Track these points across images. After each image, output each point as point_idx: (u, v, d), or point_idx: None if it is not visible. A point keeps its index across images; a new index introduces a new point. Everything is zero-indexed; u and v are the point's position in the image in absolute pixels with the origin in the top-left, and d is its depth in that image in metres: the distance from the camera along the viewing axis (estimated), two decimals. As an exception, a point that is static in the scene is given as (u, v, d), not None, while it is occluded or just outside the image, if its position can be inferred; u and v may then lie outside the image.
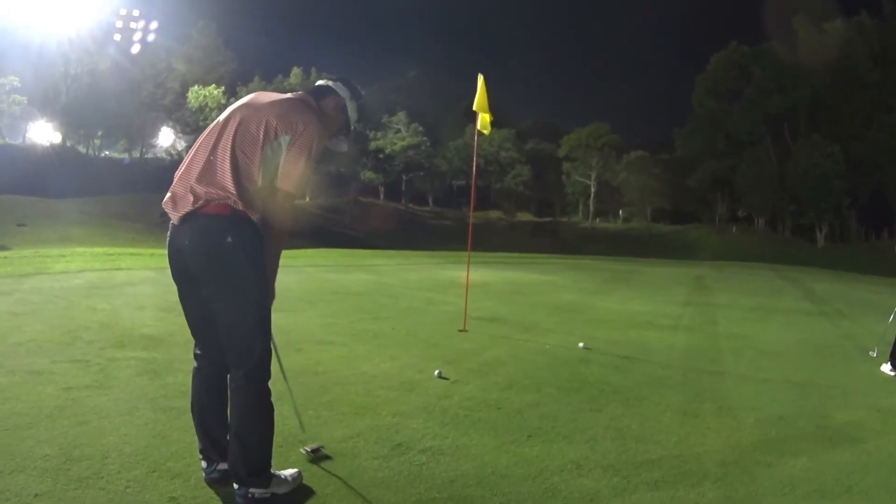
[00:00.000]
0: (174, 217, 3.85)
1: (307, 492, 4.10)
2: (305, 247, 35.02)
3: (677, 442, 5.40)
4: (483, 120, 10.84)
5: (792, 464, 5.06)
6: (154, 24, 50.72)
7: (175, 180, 3.90)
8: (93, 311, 10.09)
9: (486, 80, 10.59)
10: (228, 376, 3.96)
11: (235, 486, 3.89)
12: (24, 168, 59.73)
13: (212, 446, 4.15)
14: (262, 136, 3.81)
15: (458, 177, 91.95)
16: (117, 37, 52.43)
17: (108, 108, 65.78)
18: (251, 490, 3.85)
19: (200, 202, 3.74)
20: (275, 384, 3.99)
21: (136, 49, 54.10)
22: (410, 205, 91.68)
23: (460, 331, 10.14)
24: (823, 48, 71.61)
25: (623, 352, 9.18)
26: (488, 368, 7.69)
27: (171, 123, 78.60)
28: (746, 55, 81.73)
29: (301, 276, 17.51)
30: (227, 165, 3.76)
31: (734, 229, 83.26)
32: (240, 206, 3.74)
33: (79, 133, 73.42)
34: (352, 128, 4.41)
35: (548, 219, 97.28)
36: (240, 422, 3.87)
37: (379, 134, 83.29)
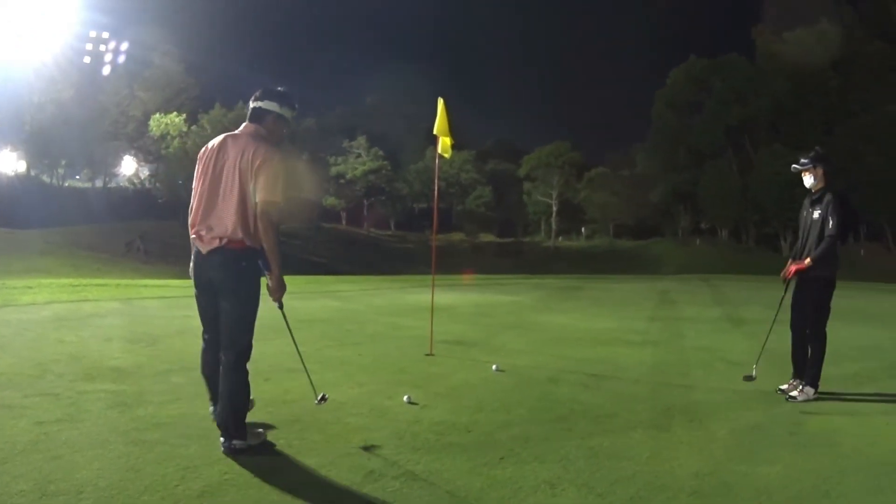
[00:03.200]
0: (203, 249, 5.42)
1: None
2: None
3: (650, 457, 5.38)
4: (444, 143, 10.75)
5: (767, 472, 5.07)
6: (125, 45, 50.85)
7: (196, 224, 5.47)
8: (61, 344, 10.02)
9: (445, 102, 10.57)
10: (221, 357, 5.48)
11: (222, 439, 5.30)
12: (-12, 198, 59.55)
13: (216, 395, 5.58)
14: (248, 186, 5.33)
15: (419, 200, 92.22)
16: (87, 59, 52.41)
17: (73, 137, 65.36)
18: (234, 441, 5.26)
19: (224, 241, 5.32)
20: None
21: (107, 70, 54.12)
22: (372, 229, 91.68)
23: (427, 355, 10.05)
24: (783, 57, 72.53)
25: (592, 370, 9.17)
26: (457, 392, 7.63)
27: (133, 152, 78.17)
28: (706, 68, 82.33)
29: (267, 304, 17.35)
30: (236, 218, 5.31)
31: (698, 242, 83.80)
32: (248, 242, 5.36)
33: (43, 162, 73.01)
34: (291, 125, 5.97)
35: (510, 239, 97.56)
36: (231, 390, 5.37)
37: (339, 159, 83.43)
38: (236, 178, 5.31)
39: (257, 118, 5.64)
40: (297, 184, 71.27)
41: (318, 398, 6.18)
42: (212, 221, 5.37)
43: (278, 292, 5.64)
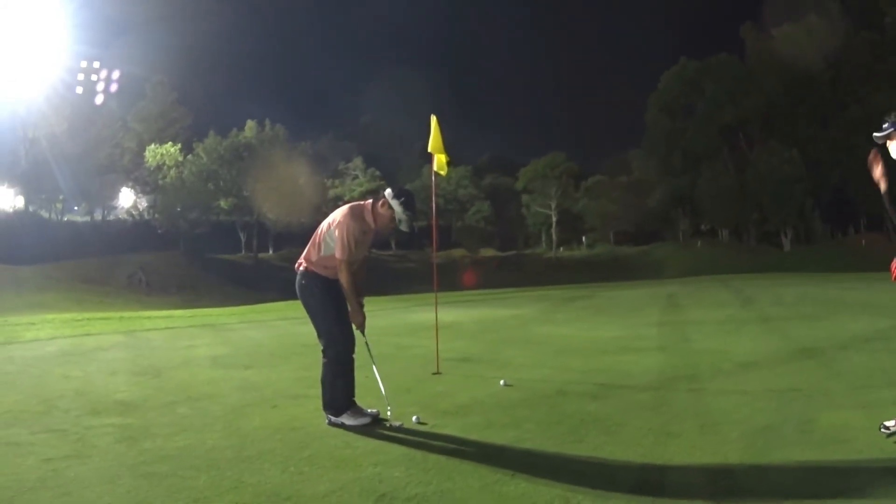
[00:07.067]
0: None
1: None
2: (273, 300, 34.92)
3: (663, 464, 5.35)
4: (439, 161, 10.73)
5: (782, 472, 5.05)
6: (116, 74, 51.08)
7: None
8: (66, 379, 10.05)
9: (439, 119, 10.54)
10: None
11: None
12: (-12, 236, 59.83)
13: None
14: (324, 232, 7.05)
15: (418, 218, 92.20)
16: (79, 90, 52.67)
17: (68, 170, 65.54)
18: (330, 416, 6.92)
19: (300, 264, 7.21)
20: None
21: (100, 100, 54.38)
22: (373, 250, 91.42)
23: (434, 374, 10.01)
24: (774, 54, 72.66)
25: (599, 379, 9.10)
26: (466, 410, 7.58)
27: (130, 184, 78.26)
28: (697, 70, 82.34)
29: (272, 331, 17.37)
30: (309, 252, 7.13)
31: (699, 244, 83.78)
32: (310, 268, 7.11)
33: (40, 197, 73.19)
34: (400, 217, 6.99)
35: (511, 252, 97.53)
36: (322, 376, 7.03)
37: (336, 181, 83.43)
38: (323, 230, 7.06)
39: (376, 199, 7.14)
40: (297, 208, 71.60)
41: (392, 423, 6.92)
42: (305, 252, 7.20)
43: (355, 319, 7.00)
